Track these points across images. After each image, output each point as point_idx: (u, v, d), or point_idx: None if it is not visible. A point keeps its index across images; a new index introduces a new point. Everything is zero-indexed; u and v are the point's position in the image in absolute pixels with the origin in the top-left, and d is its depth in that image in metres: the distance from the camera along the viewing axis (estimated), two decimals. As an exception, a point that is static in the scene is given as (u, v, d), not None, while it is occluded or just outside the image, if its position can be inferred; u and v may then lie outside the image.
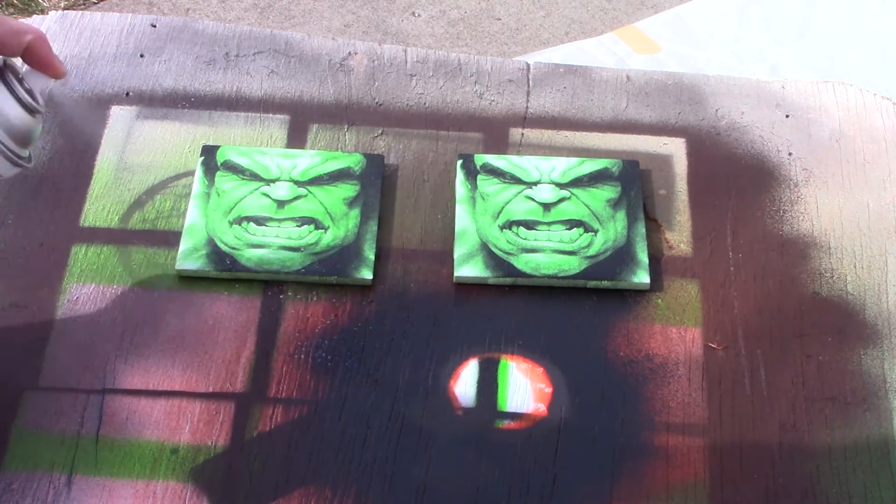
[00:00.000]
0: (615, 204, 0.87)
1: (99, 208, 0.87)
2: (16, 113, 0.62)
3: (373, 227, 0.85)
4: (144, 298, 0.82)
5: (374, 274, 0.83)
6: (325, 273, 0.82)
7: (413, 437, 0.76)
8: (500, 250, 0.84)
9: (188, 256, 0.83)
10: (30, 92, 0.64)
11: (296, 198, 0.86)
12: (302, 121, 0.93)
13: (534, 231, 0.85)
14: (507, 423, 0.77)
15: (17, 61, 0.66)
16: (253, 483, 0.73)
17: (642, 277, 0.83)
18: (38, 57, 0.63)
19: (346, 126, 0.93)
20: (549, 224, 0.85)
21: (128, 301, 0.82)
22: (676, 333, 0.81)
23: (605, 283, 0.83)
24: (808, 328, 0.82)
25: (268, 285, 0.83)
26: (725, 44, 1.34)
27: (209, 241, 0.84)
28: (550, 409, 0.77)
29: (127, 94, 0.94)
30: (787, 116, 0.95)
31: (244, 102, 0.94)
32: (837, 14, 1.39)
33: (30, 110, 0.63)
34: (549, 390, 0.78)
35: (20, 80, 0.63)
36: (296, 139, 0.92)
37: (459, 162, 0.89)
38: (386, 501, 0.73)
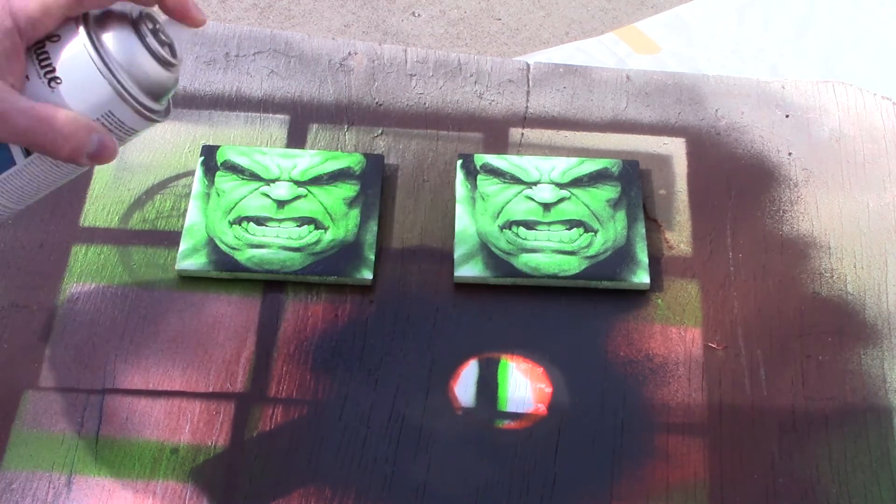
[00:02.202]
0: (615, 204, 0.87)
1: (99, 208, 0.87)
2: (149, 66, 0.60)
3: (373, 227, 0.85)
4: (144, 298, 0.82)
5: (374, 274, 0.83)
6: (325, 273, 0.82)
7: (413, 437, 0.76)
8: (500, 250, 0.84)
9: (188, 256, 0.83)
10: (167, 44, 0.61)
11: (296, 198, 0.86)
12: (302, 121, 0.93)
13: (534, 231, 0.85)
14: (507, 423, 0.77)
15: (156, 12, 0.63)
16: (253, 483, 0.73)
17: (642, 277, 0.83)
18: (175, 6, 0.60)
19: (346, 126, 0.93)
20: (548, 224, 0.85)
21: (128, 301, 0.82)
22: (676, 333, 0.81)
23: (605, 283, 0.83)
24: (808, 328, 0.82)
25: (268, 285, 0.83)
26: (725, 44, 1.34)
27: (209, 242, 0.84)
28: (550, 409, 0.77)
29: (127, 94, 0.93)
30: (787, 116, 0.95)
31: (244, 102, 0.94)
32: (837, 14, 1.39)
33: (164, 63, 0.60)
34: (549, 390, 0.78)
35: (156, 31, 0.61)
36: (296, 139, 0.92)
37: (459, 162, 0.89)
38: (386, 501, 0.73)
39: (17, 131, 0.56)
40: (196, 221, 0.85)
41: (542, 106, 0.95)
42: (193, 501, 0.72)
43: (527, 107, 0.95)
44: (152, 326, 0.80)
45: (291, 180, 0.87)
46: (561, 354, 0.80)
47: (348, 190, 0.87)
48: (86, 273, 0.83)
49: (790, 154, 0.92)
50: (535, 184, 0.88)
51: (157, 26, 0.61)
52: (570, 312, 0.82)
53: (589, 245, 0.84)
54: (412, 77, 0.97)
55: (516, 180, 0.88)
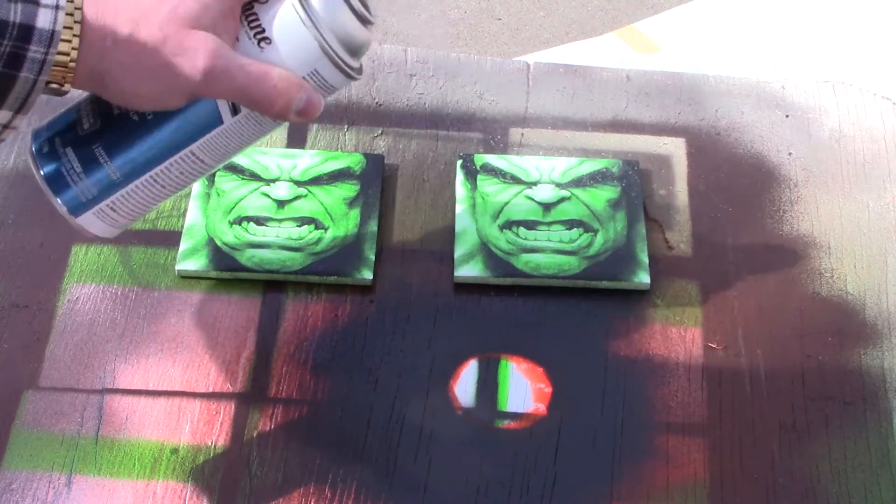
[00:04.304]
0: (615, 204, 0.87)
1: (99, 208, 0.87)
2: (351, 23, 0.61)
3: (373, 227, 0.85)
4: (144, 298, 0.82)
5: (374, 274, 0.83)
6: (325, 273, 0.82)
7: (413, 437, 0.76)
8: (500, 250, 0.84)
9: (188, 256, 0.83)
10: (363, 2, 0.62)
11: (296, 198, 0.86)
12: (302, 121, 0.93)
13: (534, 231, 0.85)
14: (507, 423, 0.77)
15: None
16: (253, 483, 0.73)
17: (642, 277, 0.83)
18: None
19: (346, 126, 0.93)
20: (549, 224, 0.85)
21: (128, 301, 0.82)
22: (676, 333, 0.81)
23: (605, 284, 0.83)
24: (808, 328, 0.82)
25: (268, 285, 0.83)
26: (725, 44, 1.34)
27: (209, 241, 0.84)
28: (550, 409, 0.77)
29: (127, 94, 0.93)
30: (787, 116, 0.95)
31: (244, 102, 0.94)
32: (837, 14, 1.39)
33: (363, 20, 0.62)
34: (549, 390, 0.78)
35: None
36: (296, 139, 0.92)
37: (459, 162, 0.89)
38: (386, 501, 0.73)
39: (237, 87, 0.57)
40: (196, 221, 0.85)
41: (542, 106, 0.95)
42: (193, 501, 0.72)
43: (527, 107, 0.95)
44: (152, 326, 0.80)
45: (291, 180, 0.87)
46: (561, 354, 0.80)
47: (348, 190, 0.87)
48: (86, 273, 0.83)
49: (790, 154, 0.92)
50: (535, 184, 0.88)
51: None
52: (570, 312, 0.82)
53: (589, 245, 0.84)
54: (412, 77, 0.97)
55: (516, 180, 0.88)
